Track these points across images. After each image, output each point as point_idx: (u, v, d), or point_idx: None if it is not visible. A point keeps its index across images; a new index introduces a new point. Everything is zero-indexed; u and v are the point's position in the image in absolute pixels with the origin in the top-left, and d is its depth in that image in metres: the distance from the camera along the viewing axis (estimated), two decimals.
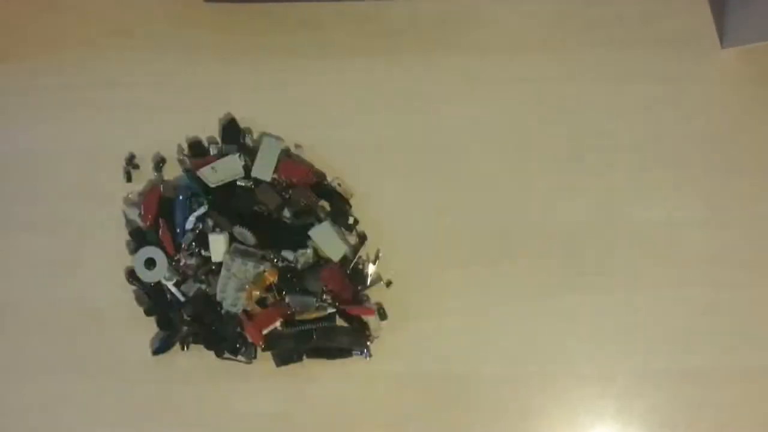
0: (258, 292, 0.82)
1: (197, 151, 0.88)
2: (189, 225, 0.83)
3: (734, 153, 0.91)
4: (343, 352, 0.85)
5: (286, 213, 0.85)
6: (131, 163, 0.89)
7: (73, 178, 0.90)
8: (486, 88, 0.90)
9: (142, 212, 0.86)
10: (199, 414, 0.86)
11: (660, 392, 0.92)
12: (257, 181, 0.83)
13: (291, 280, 0.83)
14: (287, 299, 0.83)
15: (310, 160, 0.89)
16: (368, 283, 0.86)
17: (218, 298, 0.82)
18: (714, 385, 0.91)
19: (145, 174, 0.90)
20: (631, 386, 0.92)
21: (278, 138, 0.87)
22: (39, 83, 0.89)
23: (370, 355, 0.85)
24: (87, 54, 0.89)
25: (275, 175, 0.84)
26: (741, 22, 0.87)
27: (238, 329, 0.83)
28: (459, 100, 0.90)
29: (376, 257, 0.87)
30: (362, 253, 0.87)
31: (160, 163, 0.89)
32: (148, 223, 0.85)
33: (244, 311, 0.83)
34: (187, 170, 0.87)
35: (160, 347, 0.85)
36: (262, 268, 0.81)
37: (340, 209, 0.86)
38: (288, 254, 0.83)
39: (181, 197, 0.84)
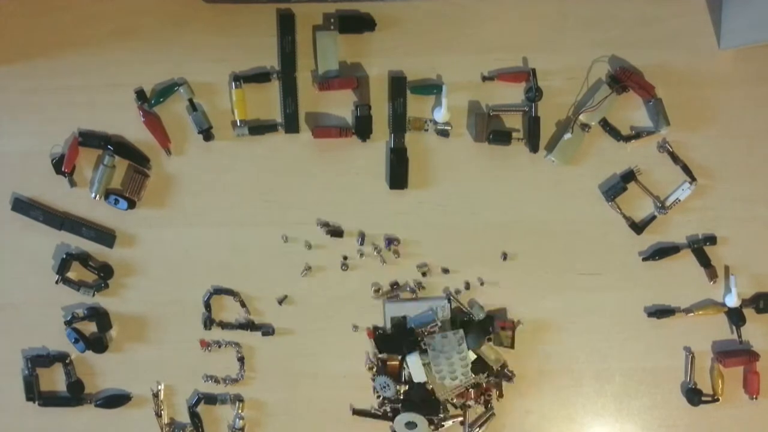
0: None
1: None
2: None
3: (732, 153, 0.91)
4: None
5: None
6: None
7: None
8: (483, 88, 0.90)
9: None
10: None
11: (658, 391, 0.92)
12: None
13: None
14: None
15: None
16: None
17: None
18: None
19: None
20: (629, 385, 0.92)
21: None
22: (40, 84, 0.88)
23: None
24: (88, 55, 0.88)
25: None
26: (738, 24, 0.87)
27: None
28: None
29: None
30: None
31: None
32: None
33: None
34: None
35: None
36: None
37: None
38: None
39: None
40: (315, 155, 0.90)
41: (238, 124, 0.89)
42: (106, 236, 0.89)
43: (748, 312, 0.91)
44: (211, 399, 0.91)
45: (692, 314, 0.91)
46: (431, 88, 0.89)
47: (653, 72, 0.90)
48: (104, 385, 0.91)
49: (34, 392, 0.89)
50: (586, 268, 0.91)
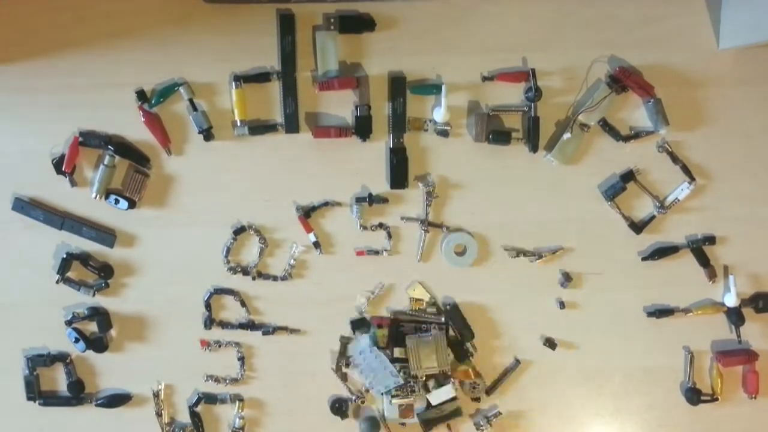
0: None
1: None
2: None
3: (731, 153, 0.91)
4: None
5: None
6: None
7: None
8: (483, 88, 0.90)
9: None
10: None
11: (658, 391, 0.93)
12: None
13: None
14: None
15: None
16: None
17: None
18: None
19: None
20: (628, 384, 0.92)
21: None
22: (40, 83, 0.88)
23: None
24: (88, 55, 0.88)
25: None
26: (738, 24, 0.87)
27: None
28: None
29: None
30: None
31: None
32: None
33: None
34: None
35: None
36: None
37: None
38: None
39: None
40: (315, 155, 0.90)
41: (238, 124, 0.89)
42: (106, 236, 0.89)
43: (747, 311, 0.91)
44: (211, 398, 0.91)
45: (691, 314, 0.91)
46: (431, 88, 0.89)
47: (653, 72, 0.90)
48: (105, 384, 0.91)
49: (34, 392, 0.90)
50: (585, 268, 0.91)
